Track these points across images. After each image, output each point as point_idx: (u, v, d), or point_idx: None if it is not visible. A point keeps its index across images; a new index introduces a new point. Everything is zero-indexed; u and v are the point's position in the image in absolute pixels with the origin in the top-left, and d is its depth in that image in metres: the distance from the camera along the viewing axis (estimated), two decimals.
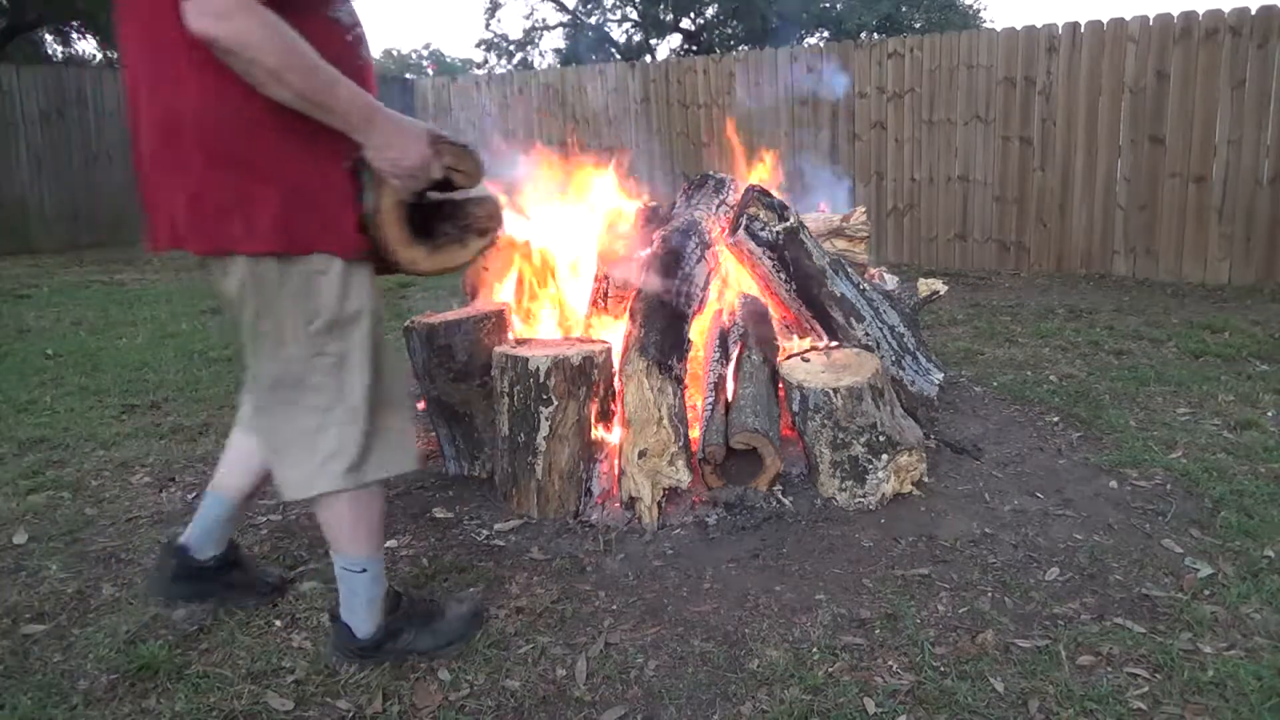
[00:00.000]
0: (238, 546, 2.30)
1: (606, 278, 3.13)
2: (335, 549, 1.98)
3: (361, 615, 2.00)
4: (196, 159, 1.63)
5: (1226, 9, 6.43)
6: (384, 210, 1.74)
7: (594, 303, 3.16)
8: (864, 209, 4.11)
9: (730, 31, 21.82)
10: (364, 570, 1.97)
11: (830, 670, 1.98)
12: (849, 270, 3.40)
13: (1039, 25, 7.30)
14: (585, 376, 2.70)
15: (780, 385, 2.96)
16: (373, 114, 1.66)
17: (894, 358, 3.29)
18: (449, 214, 1.89)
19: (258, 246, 1.68)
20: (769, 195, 3.35)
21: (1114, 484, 2.95)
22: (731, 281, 3.51)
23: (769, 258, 3.23)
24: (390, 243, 1.77)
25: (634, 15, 23.32)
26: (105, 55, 18.61)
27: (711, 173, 3.81)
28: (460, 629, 2.10)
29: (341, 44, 1.73)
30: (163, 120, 1.65)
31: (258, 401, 1.88)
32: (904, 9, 20.74)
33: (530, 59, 24.78)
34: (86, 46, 19.60)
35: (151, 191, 1.70)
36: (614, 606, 2.27)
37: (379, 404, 1.86)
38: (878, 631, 2.13)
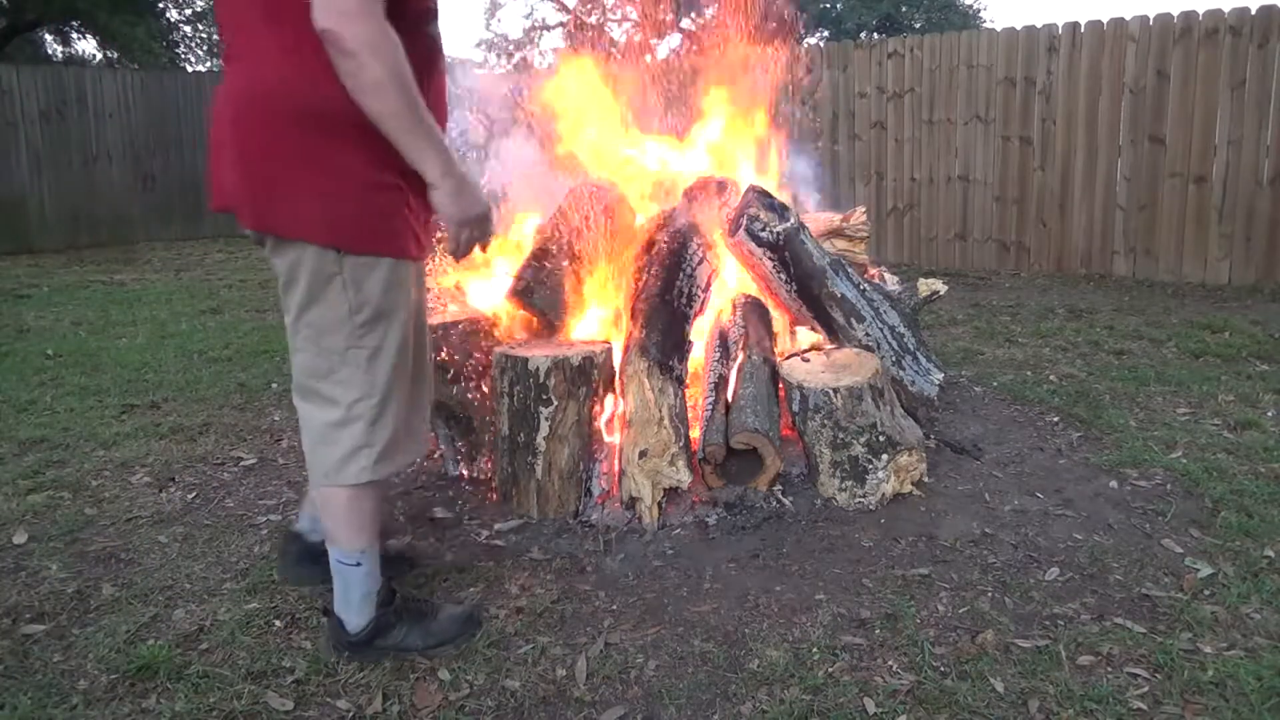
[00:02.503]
0: None
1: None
2: (331, 541, 2.01)
3: (354, 609, 2.02)
4: (289, 146, 1.73)
5: (1226, 9, 6.43)
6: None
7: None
8: (864, 209, 4.10)
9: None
10: (358, 564, 1.99)
11: (830, 670, 1.98)
12: (849, 270, 3.39)
13: (1039, 25, 7.31)
14: (585, 377, 2.70)
15: (780, 385, 2.96)
16: (452, 160, 1.76)
17: (894, 358, 3.29)
18: None
19: (325, 238, 1.78)
20: (769, 196, 3.35)
21: (1114, 484, 2.95)
22: (732, 282, 3.52)
23: (769, 258, 3.23)
24: None
25: (634, 15, 23.30)
26: (105, 55, 18.62)
27: (712, 174, 3.81)
28: (453, 630, 2.10)
29: (434, 57, 1.88)
30: (266, 103, 1.73)
31: (295, 386, 1.96)
32: (904, 9, 20.74)
33: (530, 59, 24.77)
34: (86, 46, 19.62)
35: (239, 163, 1.77)
36: (614, 606, 2.27)
37: (406, 404, 1.96)
38: (878, 631, 2.13)
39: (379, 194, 1.78)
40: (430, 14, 1.86)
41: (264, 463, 3.31)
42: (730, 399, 2.89)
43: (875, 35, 18.10)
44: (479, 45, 24.08)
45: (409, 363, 1.95)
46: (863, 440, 2.75)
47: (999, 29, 7.58)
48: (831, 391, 2.76)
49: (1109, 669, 1.97)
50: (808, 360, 3.00)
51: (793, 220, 3.24)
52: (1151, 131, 6.81)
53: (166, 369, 4.67)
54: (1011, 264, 7.65)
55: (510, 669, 2.02)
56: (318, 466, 1.95)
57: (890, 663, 2.01)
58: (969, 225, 7.87)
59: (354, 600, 2.02)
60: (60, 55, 18.91)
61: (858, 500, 2.77)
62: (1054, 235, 7.39)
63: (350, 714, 1.88)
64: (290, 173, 1.74)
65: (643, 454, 2.64)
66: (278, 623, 2.20)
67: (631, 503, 2.67)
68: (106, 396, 4.15)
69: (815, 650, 2.05)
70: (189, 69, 19.10)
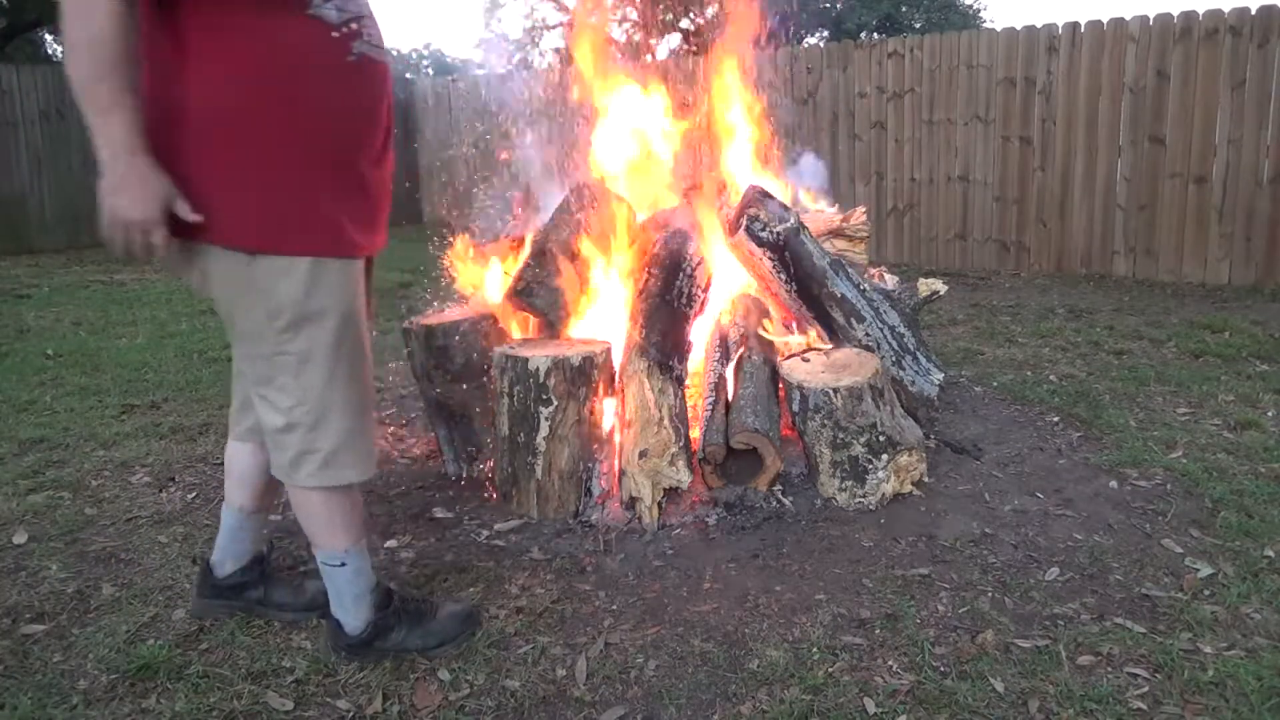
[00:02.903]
0: (263, 561, 2.24)
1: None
2: (314, 543, 2.00)
3: (349, 611, 2.01)
4: (181, 149, 1.67)
5: (1226, 9, 6.43)
6: None
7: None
8: (864, 209, 4.10)
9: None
10: (343, 564, 1.98)
11: (830, 670, 1.98)
12: (849, 270, 3.39)
13: (1039, 25, 7.30)
14: (585, 377, 2.70)
15: (780, 385, 2.96)
16: (123, 155, 1.61)
17: (894, 358, 3.29)
18: None
19: (226, 239, 1.72)
20: (770, 196, 3.35)
21: (1114, 484, 2.95)
22: (732, 282, 3.52)
23: (769, 258, 3.23)
24: None
25: (634, 15, 23.29)
26: None
27: (712, 175, 3.81)
28: (453, 629, 2.09)
29: (323, 42, 1.73)
30: (153, 100, 1.67)
31: (252, 393, 1.92)
32: (904, 9, 20.73)
33: (530, 59, 24.76)
34: None
35: None
36: (614, 606, 2.27)
37: (352, 407, 1.87)
38: (878, 631, 2.13)
39: (283, 189, 1.71)
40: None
41: None
42: (730, 399, 2.89)
43: (875, 35, 18.10)
44: (479, 45, 24.06)
45: (349, 367, 1.85)
46: (863, 440, 2.75)
47: (999, 29, 7.58)
48: (831, 391, 2.76)
49: (1109, 669, 1.97)
50: (808, 360, 3.00)
51: (793, 220, 3.24)
52: (1151, 131, 6.81)
53: (166, 369, 4.67)
54: (1011, 264, 7.65)
55: (510, 669, 2.02)
56: (275, 467, 1.93)
57: (890, 663, 2.01)
58: (969, 225, 7.87)
59: (347, 602, 2.01)
60: (60, 55, 18.92)
61: (858, 500, 2.77)
62: (1054, 235, 7.39)
63: (350, 714, 1.87)
64: (185, 175, 1.67)
65: (643, 454, 2.64)
66: (277, 623, 2.19)
67: (631, 503, 2.67)
68: (106, 396, 4.15)
69: (815, 650, 2.05)
70: None
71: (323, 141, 1.74)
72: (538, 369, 2.65)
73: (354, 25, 1.78)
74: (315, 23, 1.72)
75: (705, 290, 3.22)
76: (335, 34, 1.75)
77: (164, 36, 1.65)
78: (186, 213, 1.67)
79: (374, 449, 1.97)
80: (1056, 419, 3.59)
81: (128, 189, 1.63)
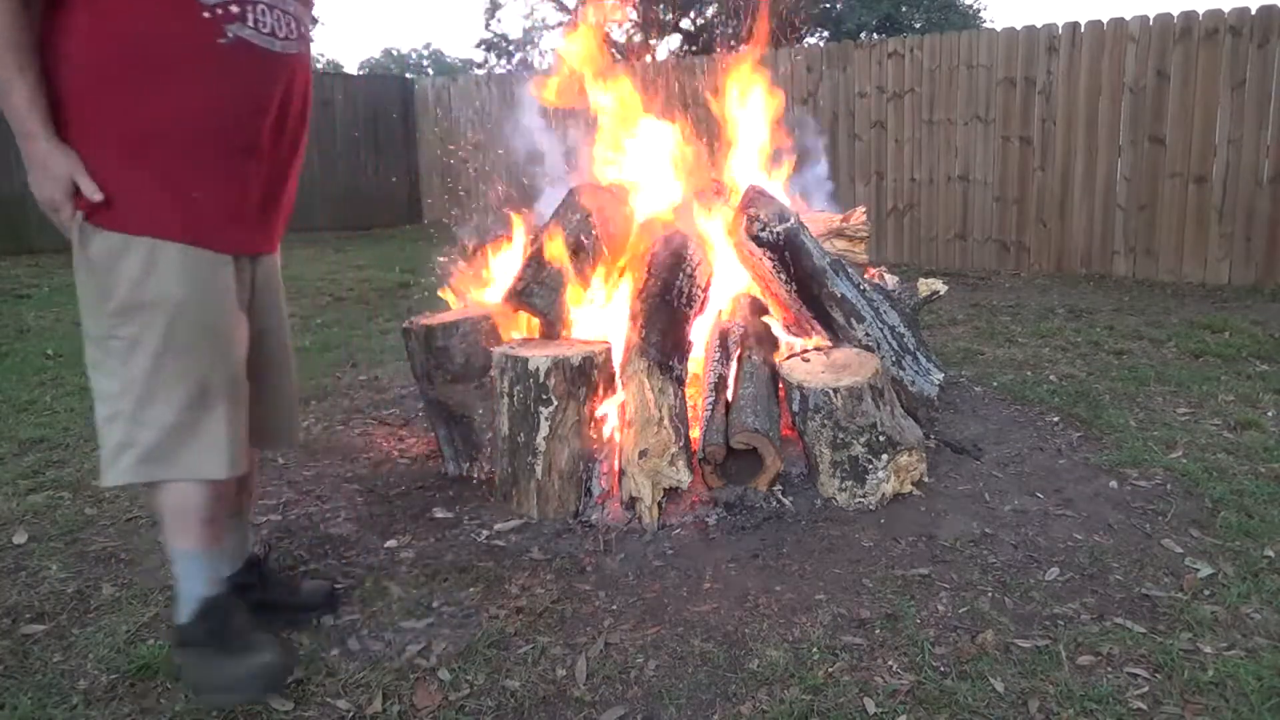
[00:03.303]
0: (260, 564, 2.19)
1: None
2: (165, 535, 1.93)
3: (181, 601, 1.91)
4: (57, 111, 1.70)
5: (1226, 9, 6.43)
6: None
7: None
8: (864, 209, 4.10)
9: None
10: (177, 563, 1.90)
11: (830, 670, 1.98)
12: (849, 270, 3.39)
13: (1039, 25, 7.31)
14: (585, 377, 2.70)
15: (780, 385, 2.96)
16: (23, 139, 1.67)
17: (894, 358, 3.29)
18: None
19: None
20: (769, 196, 3.35)
21: (1114, 484, 2.95)
22: (732, 282, 3.52)
23: (769, 258, 3.23)
24: None
25: (634, 15, 23.28)
26: None
27: (713, 175, 3.81)
28: (240, 682, 1.85)
29: (187, 21, 1.69)
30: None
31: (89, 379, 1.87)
32: (904, 9, 20.72)
33: (530, 59, 24.77)
34: None
35: None
36: (614, 606, 2.27)
37: (180, 404, 1.79)
38: (878, 631, 2.13)
39: (120, 165, 1.70)
40: None
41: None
42: (730, 399, 2.89)
43: (875, 35, 18.10)
44: (479, 45, 24.08)
45: (185, 362, 1.77)
46: (863, 440, 2.75)
47: (999, 29, 7.59)
48: (831, 391, 2.76)
49: (1109, 669, 1.97)
50: (808, 360, 3.00)
51: (793, 220, 3.24)
52: (1151, 131, 6.81)
53: None
54: (1011, 264, 7.65)
55: (510, 669, 2.02)
56: (102, 464, 1.84)
57: (890, 663, 2.01)
58: (969, 225, 7.87)
59: (183, 593, 1.91)
60: None
61: (858, 500, 2.77)
62: (1054, 235, 7.40)
63: (350, 714, 1.87)
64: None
65: (643, 454, 2.64)
66: (277, 623, 2.19)
67: (631, 503, 2.67)
68: None
69: (815, 650, 2.05)
70: None
71: (171, 121, 1.71)
72: (538, 369, 2.66)
73: (232, 8, 1.72)
74: (185, 1, 1.69)
75: (705, 290, 3.22)
76: (206, 14, 1.70)
77: (49, 9, 1.69)
78: (91, 191, 1.69)
79: (217, 454, 1.82)
80: (1056, 419, 3.59)
81: (31, 171, 1.70)
